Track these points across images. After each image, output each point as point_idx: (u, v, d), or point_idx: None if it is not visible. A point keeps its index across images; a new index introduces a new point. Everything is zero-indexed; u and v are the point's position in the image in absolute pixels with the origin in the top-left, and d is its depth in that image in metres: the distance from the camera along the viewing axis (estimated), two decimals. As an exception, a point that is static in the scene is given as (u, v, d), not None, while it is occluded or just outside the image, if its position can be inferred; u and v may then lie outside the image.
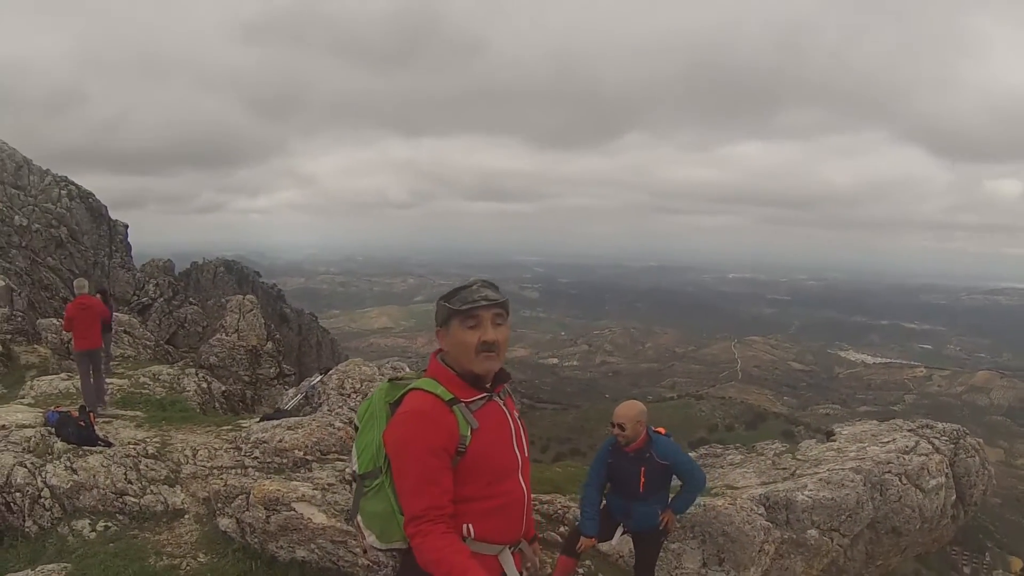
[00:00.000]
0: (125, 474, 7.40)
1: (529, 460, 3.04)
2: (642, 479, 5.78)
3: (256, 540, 6.29)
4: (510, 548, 2.96)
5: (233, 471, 7.44)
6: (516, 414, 3.02)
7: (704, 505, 8.28)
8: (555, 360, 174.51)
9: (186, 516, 6.72)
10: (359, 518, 2.92)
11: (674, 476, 6.13)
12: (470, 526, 2.79)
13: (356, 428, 3.06)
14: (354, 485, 2.99)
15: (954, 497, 9.84)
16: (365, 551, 3.21)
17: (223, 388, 13.78)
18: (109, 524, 6.77)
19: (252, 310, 18.90)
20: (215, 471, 7.56)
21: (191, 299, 34.74)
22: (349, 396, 11.01)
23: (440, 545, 2.56)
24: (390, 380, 3.01)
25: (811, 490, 8.95)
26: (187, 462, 7.62)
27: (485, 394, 2.87)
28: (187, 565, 5.97)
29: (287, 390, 13.40)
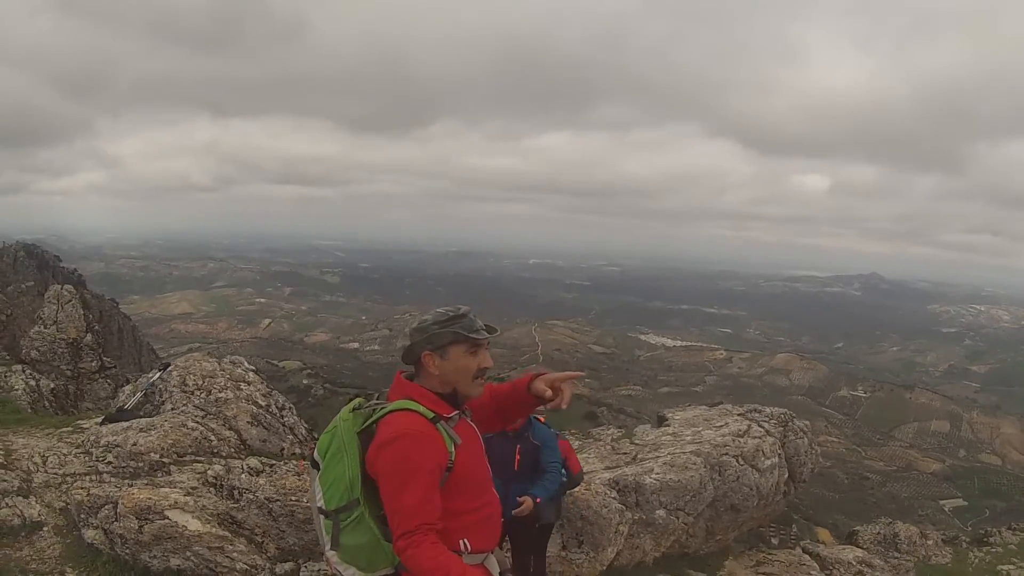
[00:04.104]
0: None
1: None
2: (517, 457, 6.00)
3: (128, 551, 5.99)
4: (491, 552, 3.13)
5: (88, 477, 7.02)
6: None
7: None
8: (356, 344, 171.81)
9: (45, 528, 6.26)
10: (335, 553, 2.92)
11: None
12: (466, 541, 2.93)
13: (316, 465, 3.04)
14: (321, 520, 2.97)
15: (786, 475, 10.80)
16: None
17: (52, 385, 12.85)
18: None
19: (71, 300, 17.72)
20: (68, 478, 7.09)
21: (-11, 286, 31.68)
22: (193, 393, 10.58)
23: (434, 553, 2.67)
24: (353, 410, 3.04)
25: (658, 473, 9.51)
26: (37, 470, 7.08)
27: (458, 411, 3.02)
28: (57, 582, 5.62)
29: (123, 387, 12.65)
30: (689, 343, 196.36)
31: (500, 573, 3.14)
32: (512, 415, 3.34)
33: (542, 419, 6.41)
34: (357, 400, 3.11)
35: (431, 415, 2.86)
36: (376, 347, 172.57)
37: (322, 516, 2.95)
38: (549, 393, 3.07)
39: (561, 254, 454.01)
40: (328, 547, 2.92)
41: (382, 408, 2.94)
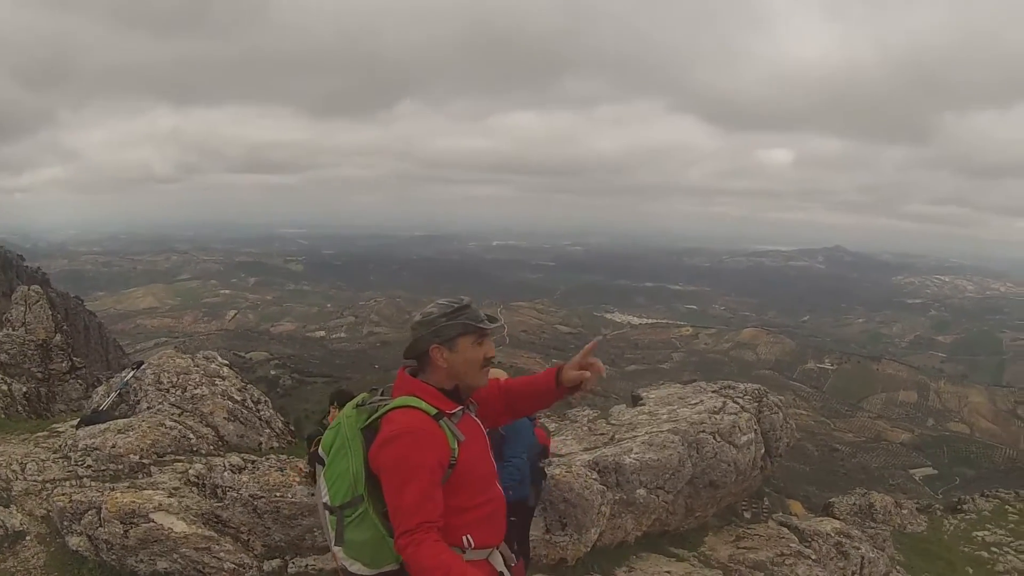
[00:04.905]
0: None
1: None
2: None
3: (114, 557, 5.95)
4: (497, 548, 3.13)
5: (68, 483, 6.94)
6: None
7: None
8: (322, 333, 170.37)
9: (28, 538, 6.19)
10: (341, 548, 2.92)
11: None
12: (469, 537, 2.94)
13: (320, 461, 3.04)
14: (327, 515, 2.98)
15: (763, 451, 10.95)
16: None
17: (23, 389, 12.65)
18: (-54, 559, 6.09)
19: (38, 301, 17.47)
20: (48, 485, 6.99)
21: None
22: (168, 391, 10.50)
23: (435, 551, 2.67)
24: (356, 406, 3.03)
25: (637, 453, 9.58)
26: (16, 478, 6.98)
27: (462, 407, 3.02)
28: (43, 591, 5.57)
29: (96, 388, 12.49)
30: (655, 320, 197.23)
31: (501, 572, 3.16)
32: (527, 409, 3.35)
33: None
34: (361, 396, 3.11)
35: (434, 411, 2.87)
36: (343, 335, 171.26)
37: (327, 511, 2.96)
38: (587, 374, 3.07)
39: (526, 234, 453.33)
40: (333, 542, 2.94)
41: (385, 405, 2.94)
